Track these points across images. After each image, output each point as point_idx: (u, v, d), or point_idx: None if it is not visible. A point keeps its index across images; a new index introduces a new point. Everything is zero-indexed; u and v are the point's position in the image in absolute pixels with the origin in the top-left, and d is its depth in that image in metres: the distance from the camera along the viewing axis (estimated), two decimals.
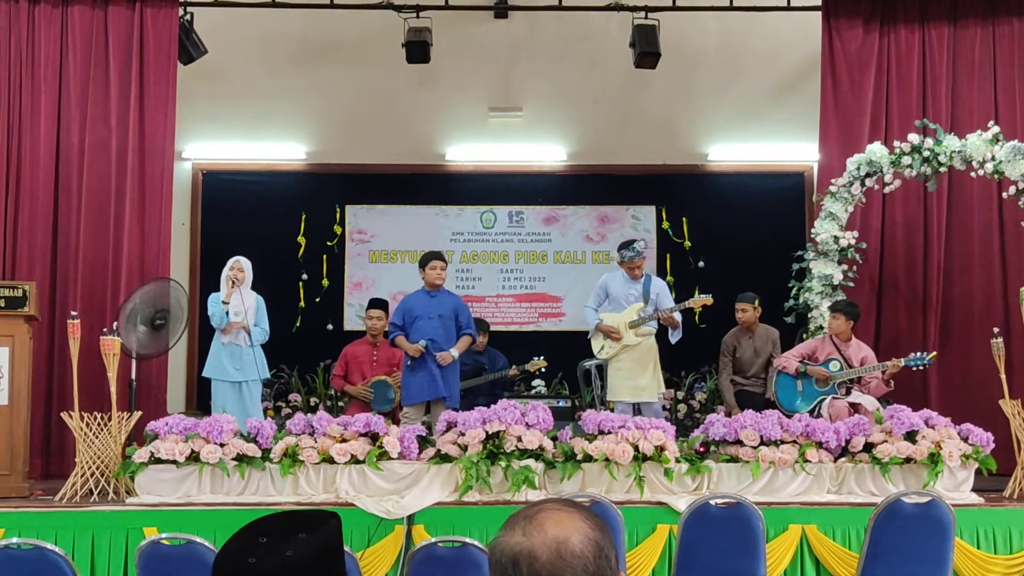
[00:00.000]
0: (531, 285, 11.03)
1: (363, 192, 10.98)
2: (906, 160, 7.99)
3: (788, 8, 9.24)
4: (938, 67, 8.72)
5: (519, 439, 6.27)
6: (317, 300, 10.83)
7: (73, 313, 6.96)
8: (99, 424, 6.57)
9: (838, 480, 6.39)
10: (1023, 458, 6.75)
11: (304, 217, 10.86)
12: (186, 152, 10.53)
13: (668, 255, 10.87)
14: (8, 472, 6.72)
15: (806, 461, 6.33)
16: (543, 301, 10.99)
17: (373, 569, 5.83)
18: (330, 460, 6.28)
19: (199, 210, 10.80)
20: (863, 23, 8.80)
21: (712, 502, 5.41)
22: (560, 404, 8.82)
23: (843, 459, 6.46)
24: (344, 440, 6.36)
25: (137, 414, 6.89)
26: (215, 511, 6.01)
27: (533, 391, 9.95)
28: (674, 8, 9.29)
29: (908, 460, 6.33)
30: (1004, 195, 8.06)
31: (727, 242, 10.61)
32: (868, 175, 8.14)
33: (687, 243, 10.82)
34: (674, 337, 7.96)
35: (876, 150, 8.11)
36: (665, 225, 10.93)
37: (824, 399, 7.53)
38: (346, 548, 4.63)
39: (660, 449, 6.30)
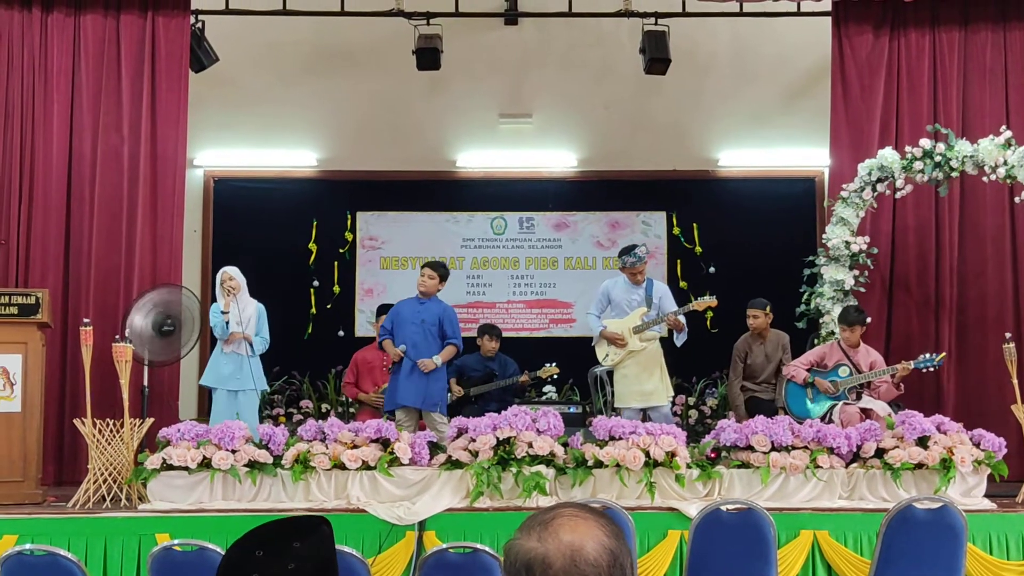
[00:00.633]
0: (541, 291, 11.03)
1: (374, 199, 11.00)
2: (918, 165, 7.97)
3: (798, 14, 9.24)
4: (949, 71, 8.70)
5: (530, 445, 6.28)
6: (328, 307, 10.84)
7: (86, 320, 7.00)
8: (111, 431, 6.59)
9: (850, 486, 6.37)
10: None
11: (315, 224, 10.88)
12: (198, 159, 10.56)
13: (679, 261, 10.86)
14: (21, 479, 6.75)
15: (817, 467, 6.32)
16: (553, 307, 10.99)
17: (384, 575, 5.84)
18: (341, 466, 6.29)
19: (211, 217, 10.83)
20: (873, 28, 8.79)
21: (723, 508, 5.41)
22: (571, 410, 8.82)
23: (855, 465, 6.45)
24: (355, 446, 6.38)
25: (149, 421, 6.91)
26: (227, 517, 6.03)
27: (544, 397, 9.95)
28: (684, 14, 9.29)
29: (920, 466, 6.31)
30: (1017, 199, 8.04)
31: (738, 248, 10.59)
32: (879, 180, 8.12)
33: (698, 249, 10.80)
34: (679, 340, 7.94)
35: (887, 155, 8.09)
36: (676, 231, 10.92)
37: (835, 405, 7.51)
38: (357, 554, 4.66)
39: (671, 455, 6.30)
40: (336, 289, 10.88)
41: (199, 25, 9.08)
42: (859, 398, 7.53)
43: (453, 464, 6.33)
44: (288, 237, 10.71)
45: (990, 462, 6.37)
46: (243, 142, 10.68)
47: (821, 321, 8.20)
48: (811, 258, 8.47)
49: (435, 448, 6.56)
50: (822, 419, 7.24)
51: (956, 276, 8.57)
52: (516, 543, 1.84)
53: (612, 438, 6.43)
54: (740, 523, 5.35)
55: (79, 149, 8.45)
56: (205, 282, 10.46)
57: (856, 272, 8.18)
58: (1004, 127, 7.98)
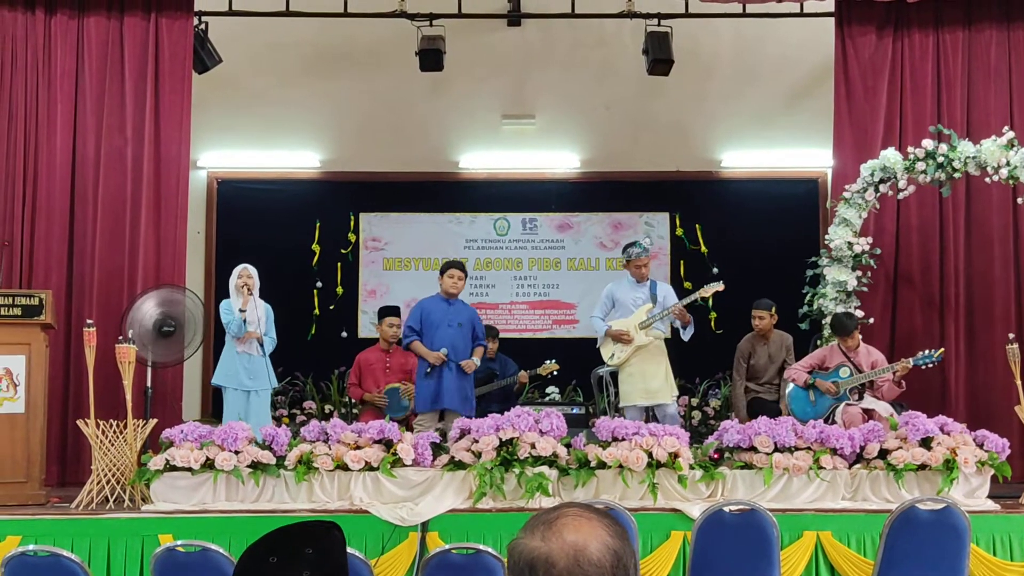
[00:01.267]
0: (545, 292, 11.03)
1: (377, 200, 11.01)
2: (920, 166, 7.96)
3: (801, 15, 9.23)
4: (952, 72, 8.69)
5: (533, 446, 6.28)
6: (331, 307, 10.85)
7: (89, 321, 7.01)
8: (115, 432, 6.60)
9: (853, 487, 6.37)
10: None
11: (318, 225, 10.89)
12: (201, 161, 10.57)
13: (682, 262, 10.85)
14: (25, 479, 6.76)
15: (820, 468, 6.32)
16: (557, 308, 10.99)
17: None
18: (344, 467, 6.30)
19: (214, 218, 10.84)
20: (876, 29, 8.78)
21: (726, 509, 5.41)
22: (574, 411, 8.81)
23: (858, 466, 6.45)
24: (358, 447, 6.38)
25: (152, 422, 6.93)
26: (230, 518, 6.04)
27: (547, 398, 9.95)
28: (687, 15, 9.29)
29: (923, 467, 6.31)
30: (1020, 200, 8.03)
31: (741, 249, 10.58)
32: (882, 181, 8.12)
33: (703, 249, 10.80)
34: (687, 334, 7.94)
35: (890, 156, 8.09)
36: (679, 232, 10.92)
37: (837, 406, 7.51)
38: (360, 555, 4.67)
39: (674, 456, 6.30)
40: (339, 290, 10.89)
41: (202, 26, 9.09)
42: (861, 398, 7.52)
43: (456, 465, 6.33)
44: (291, 238, 10.72)
45: (993, 463, 6.36)
46: (246, 143, 10.69)
47: (824, 322, 8.20)
48: (814, 259, 8.47)
49: (438, 449, 6.57)
50: (825, 420, 7.24)
51: (962, 276, 8.55)
52: (520, 543, 1.84)
53: (615, 439, 6.43)
54: (743, 524, 5.35)
55: (83, 150, 8.46)
56: (208, 283, 10.48)
57: (859, 273, 8.18)
58: (1007, 128, 7.98)
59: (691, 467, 6.33)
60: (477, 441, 6.33)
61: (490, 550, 4.81)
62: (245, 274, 7.70)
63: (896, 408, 7.39)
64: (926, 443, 6.39)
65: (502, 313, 10.82)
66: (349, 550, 4.53)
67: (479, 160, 10.93)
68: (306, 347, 10.51)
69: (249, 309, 7.57)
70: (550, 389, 10.09)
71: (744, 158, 10.83)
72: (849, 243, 8.14)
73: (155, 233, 8.47)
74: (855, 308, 8.02)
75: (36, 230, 8.34)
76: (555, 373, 9.20)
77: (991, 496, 6.41)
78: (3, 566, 4.70)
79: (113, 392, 7.26)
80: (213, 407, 10.17)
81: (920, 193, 8.29)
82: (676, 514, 6.09)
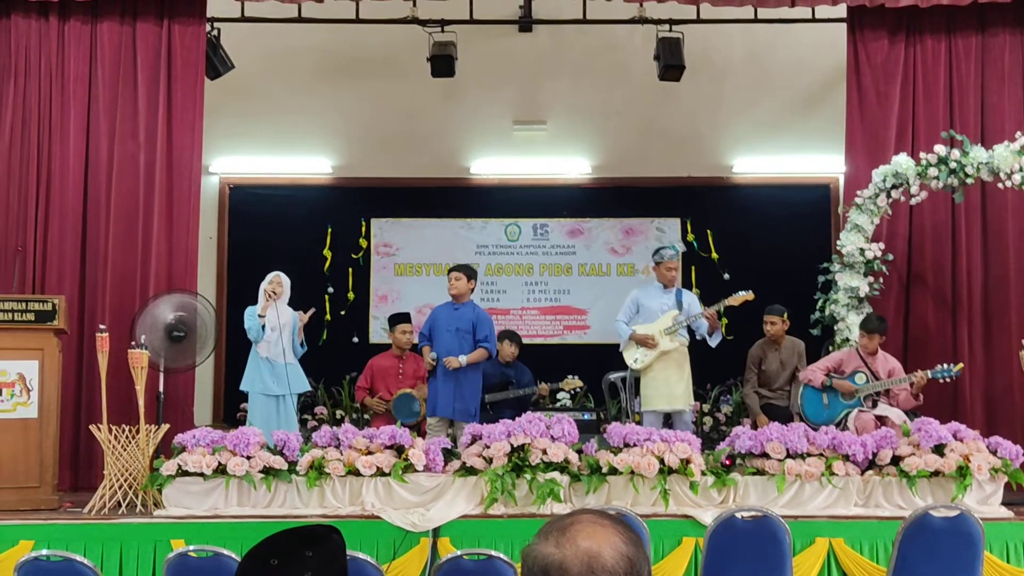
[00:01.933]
0: (556, 298, 11.03)
1: (388, 205, 11.03)
2: (932, 172, 7.94)
3: (813, 20, 9.22)
4: (966, 77, 8.65)
5: (544, 452, 6.27)
6: (343, 313, 10.87)
7: (102, 327, 7.02)
8: (127, 437, 6.62)
9: (865, 493, 6.35)
10: None
11: (330, 230, 10.91)
12: (213, 166, 10.60)
13: (693, 267, 10.84)
14: (38, 484, 6.78)
15: (833, 474, 6.30)
16: (568, 314, 10.99)
17: None
18: (356, 472, 6.30)
19: (226, 224, 10.88)
20: (888, 34, 8.75)
21: (738, 515, 5.39)
22: (585, 417, 8.79)
23: (870, 472, 6.43)
24: (370, 452, 6.38)
25: (165, 427, 6.94)
26: (242, 523, 6.05)
27: (558, 404, 9.94)
28: (699, 21, 9.28)
29: (936, 473, 6.29)
30: None
31: (752, 254, 10.56)
32: (894, 187, 8.09)
33: (714, 255, 10.79)
34: (714, 340, 8.00)
35: (902, 161, 8.06)
36: (690, 237, 10.91)
37: (850, 412, 7.49)
38: (372, 560, 4.67)
39: (686, 462, 6.28)
40: (350, 296, 10.91)
41: (215, 32, 9.13)
42: (875, 406, 7.50)
43: (467, 471, 6.33)
44: (303, 244, 10.74)
45: (1007, 470, 6.33)
46: (258, 149, 10.72)
47: (836, 328, 8.17)
48: (825, 265, 8.45)
49: (449, 455, 6.57)
50: (837, 426, 7.22)
51: (977, 281, 8.50)
52: (534, 548, 1.84)
53: (626, 445, 6.43)
54: (755, 530, 5.33)
55: (95, 156, 8.49)
56: (220, 289, 10.50)
57: (871, 279, 8.15)
58: (1020, 133, 7.94)
59: (703, 473, 6.32)
60: (489, 447, 6.33)
61: (502, 556, 4.80)
62: (276, 281, 7.78)
63: (909, 415, 7.36)
64: (939, 450, 6.37)
65: (513, 319, 10.82)
66: (361, 555, 4.55)
67: (490, 166, 10.94)
68: (318, 352, 10.48)
69: (270, 315, 7.61)
70: (561, 395, 10.08)
71: (756, 164, 10.82)
72: (861, 249, 8.11)
73: (167, 238, 8.49)
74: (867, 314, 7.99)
75: (49, 235, 8.36)
76: (577, 390, 9.18)
77: (1005, 503, 6.38)
78: (16, 571, 4.71)
79: (125, 397, 7.28)
80: (225, 412, 10.20)
81: (933, 197, 8.26)
82: (688, 520, 6.08)
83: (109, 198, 8.44)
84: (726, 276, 10.62)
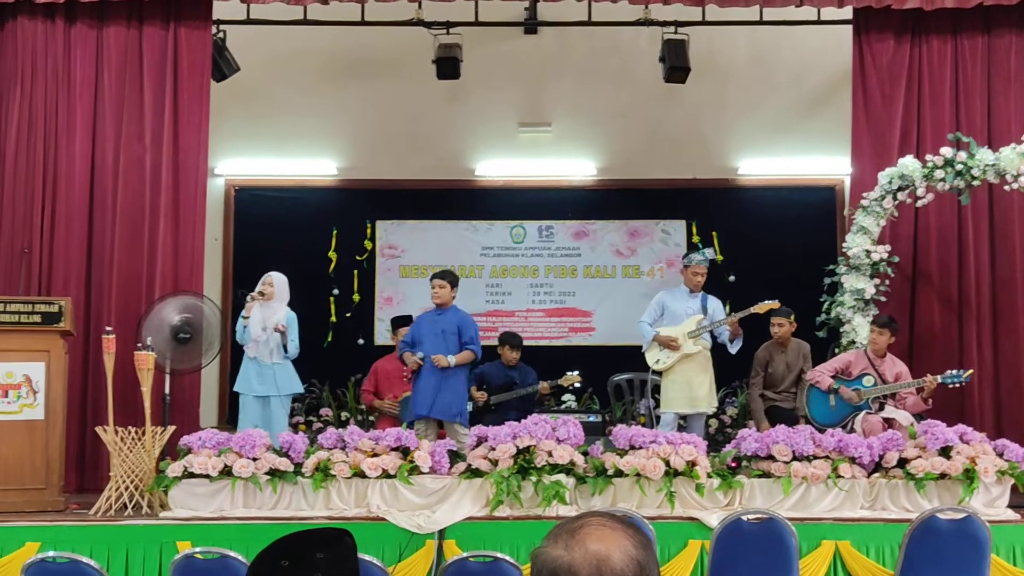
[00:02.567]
0: (561, 300, 11.03)
1: (393, 207, 11.03)
2: (939, 174, 7.93)
3: (819, 22, 9.21)
4: (972, 79, 8.63)
5: (550, 454, 6.27)
6: (348, 315, 10.88)
7: (108, 328, 7.04)
8: (133, 438, 6.63)
9: (872, 496, 6.34)
10: None
11: (335, 232, 10.92)
12: (219, 168, 10.61)
13: None
14: (44, 486, 6.78)
15: (839, 476, 6.29)
16: (573, 316, 10.99)
17: None
18: (361, 474, 6.30)
19: (231, 226, 10.89)
20: (894, 36, 8.74)
21: (744, 518, 5.39)
22: (591, 419, 8.80)
23: (876, 475, 6.42)
24: (375, 454, 6.38)
25: (171, 428, 6.95)
26: (248, 525, 6.05)
27: (563, 406, 9.94)
28: (704, 23, 9.28)
29: (943, 476, 6.27)
30: None
31: (758, 256, 10.56)
32: (900, 189, 8.08)
33: (718, 257, 10.77)
34: (734, 347, 8.03)
35: (908, 164, 8.05)
36: (695, 239, 10.90)
37: (857, 414, 7.48)
38: (378, 562, 4.67)
39: (691, 464, 6.28)
40: (355, 297, 10.91)
41: (220, 35, 9.14)
42: (882, 408, 7.49)
43: (473, 473, 6.33)
44: (308, 245, 10.75)
45: (1013, 472, 6.32)
46: (264, 151, 10.73)
47: (841, 330, 8.17)
48: (831, 267, 8.45)
49: (455, 457, 6.57)
50: (843, 428, 7.21)
51: (985, 282, 8.48)
52: (543, 551, 1.84)
53: (632, 447, 6.42)
54: (761, 533, 5.33)
55: (102, 158, 8.50)
56: (226, 290, 10.52)
57: (877, 281, 8.14)
58: None
59: (709, 476, 6.31)
60: (494, 449, 6.33)
61: (507, 558, 4.80)
62: (267, 281, 7.84)
63: (916, 417, 7.35)
64: (945, 452, 6.36)
65: (518, 320, 10.82)
66: (367, 557, 4.55)
67: (495, 168, 10.94)
68: (322, 354, 10.53)
69: (254, 316, 7.66)
70: (566, 397, 10.09)
71: (761, 165, 10.81)
72: (867, 251, 8.11)
73: (173, 240, 8.50)
74: (873, 316, 7.99)
75: (55, 237, 8.37)
76: (576, 385, 9.20)
77: (1011, 506, 6.36)
78: (23, 572, 4.72)
79: (132, 399, 7.28)
80: (230, 414, 10.20)
81: (939, 199, 8.24)
82: (694, 523, 6.07)
83: (115, 200, 8.45)
84: (731, 278, 10.61)
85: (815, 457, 6.38)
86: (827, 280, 8.45)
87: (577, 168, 10.98)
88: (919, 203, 8.15)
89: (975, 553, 5.34)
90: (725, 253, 10.73)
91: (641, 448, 6.37)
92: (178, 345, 7.76)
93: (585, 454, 6.42)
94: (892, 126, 8.69)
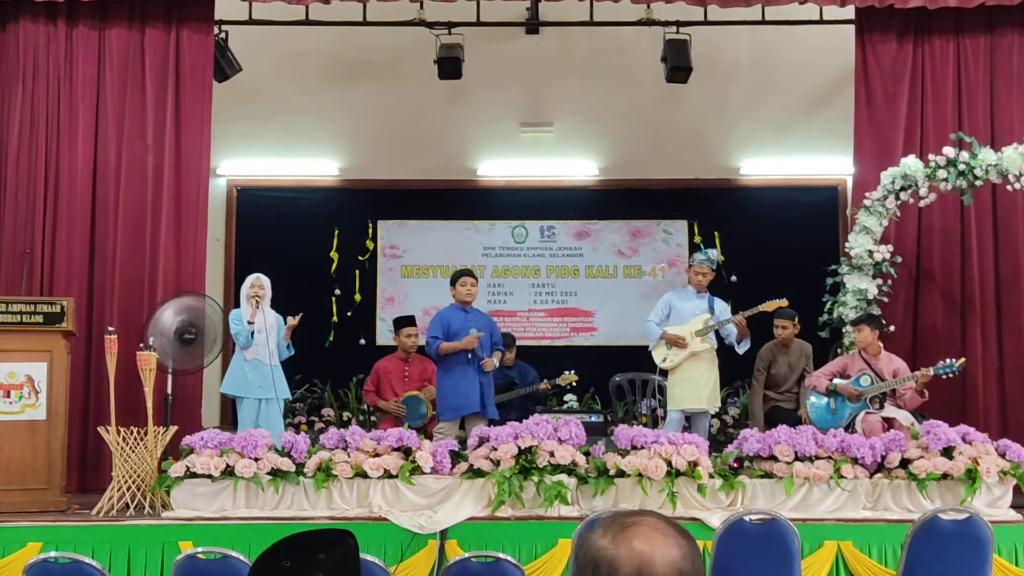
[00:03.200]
0: (563, 300, 11.02)
1: (395, 207, 11.03)
2: (941, 174, 7.92)
3: (821, 22, 9.20)
4: (974, 79, 8.63)
5: (552, 454, 6.27)
6: (349, 315, 10.88)
7: (110, 329, 7.04)
8: (135, 439, 6.63)
9: (874, 496, 6.34)
10: None
11: (337, 232, 10.92)
12: (221, 169, 10.61)
13: None
14: (46, 486, 6.78)
15: (841, 477, 6.29)
16: (575, 316, 10.98)
17: None
18: (363, 475, 6.30)
19: (233, 226, 10.89)
20: (896, 36, 8.73)
21: (747, 518, 5.39)
22: (592, 419, 8.80)
23: (879, 475, 6.41)
24: (377, 455, 6.38)
25: (173, 429, 6.95)
26: (250, 525, 6.05)
27: (565, 406, 9.94)
28: (706, 22, 9.27)
29: (945, 476, 6.27)
30: None
31: (760, 257, 10.55)
32: (903, 189, 8.08)
33: (720, 258, 10.76)
34: (742, 348, 8.06)
35: (911, 163, 8.04)
36: (697, 239, 10.90)
37: (857, 415, 7.47)
38: (379, 562, 4.67)
39: (693, 464, 6.27)
40: (357, 297, 10.91)
41: (222, 35, 9.14)
42: (882, 407, 7.48)
43: (475, 473, 6.33)
44: (309, 246, 10.75)
45: (1016, 473, 6.31)
46: (265, 151, 10.74)
47: (844, 330, 8.16)
48: (834, 267, 8.44)
49: (457, 457, 6.57)
50: (845, 428, 7.20)
51: (989, 281, 8.46)
52: (591, 537, 1.83)
53: (634, 447, 6.42)
54: (764, 533, 5.33)
55: (104, 159, 8.51)
56: (228, 291, 10.51)
57: (879, 281, 8.14)
58: None
59: (711, 476, 6.31)
60: (496, 449, 6.33)
61: (509, 558, 4.80)
62: (257, 284, 7.80)
63: (918, 418, 7.34)
64: (948, 452, 6.35)
65: (520, 321, 10.82)
66: (368, 557, 4.54)
67: (497, 168, 10.94)
68: (324, 354, 10.53)
69: (257, 319, 7.65)
70: (568, 397, 10.08)
71: (763, 165, 10.81)
72: (870, 251, 8.10)
73: (175, 241, 8.50)
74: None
75: (57, 238, 8.38)
76: (574, 384, 9.21)
77: (1013, 506, 6.36)
78: (25, 573, 4.72)
79: (134, 399, 7.29)
80: (233, 415, 10.19)
81: (942, 199, 8.23)
82: (696, 523, 6.06)
83: (117, 200, 8.46)
84: (733, 278, 10.60)
85: (817, 457, 6.38)
86: (829, 280, 8.44)
87: (579, 168, 10.97)
88: (922, 203, 8.14)
89: (977, 553, 5.34)
90: (727, 253, 10.73)
91: (643, 448, 6.37)
92: (182, 346, 7.77)
93: (587, 454, 6.42)
94: (894, 126, 8.68)
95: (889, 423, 7.29)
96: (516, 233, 11.06)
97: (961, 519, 5.41)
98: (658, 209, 11.02)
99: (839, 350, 8.27)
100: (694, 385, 7.90)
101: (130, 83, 8.56)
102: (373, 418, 9.24)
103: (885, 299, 8.16)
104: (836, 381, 7.59)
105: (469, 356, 7.62)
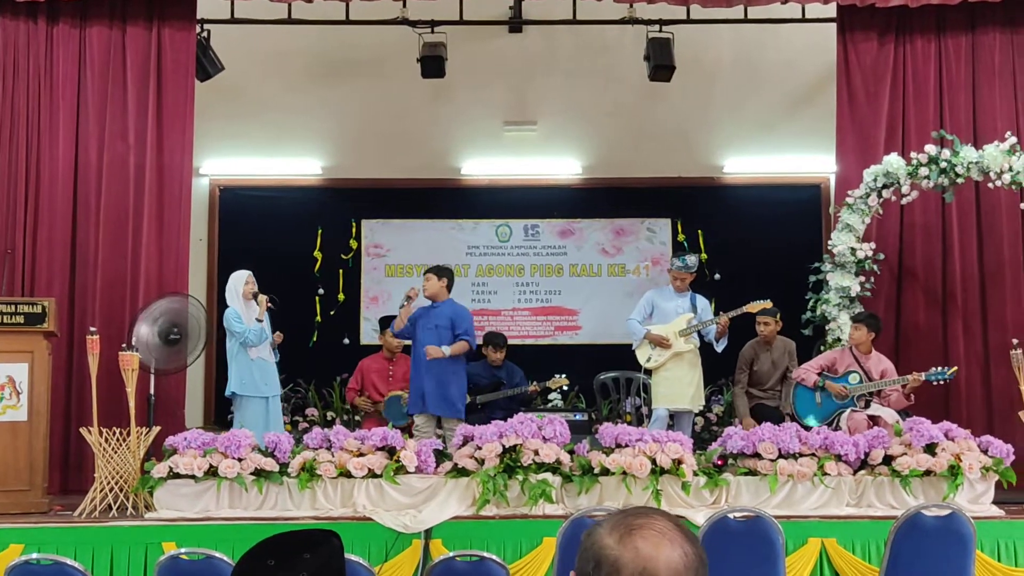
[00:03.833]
0: (547, 298, 11.02)
1: (379, 206, 11.01)
2: (923, 171, 7.95)
3: (803, 20, 9.23)
4: (956, 77, 8.67)
5: (536, 453, 6.27)
6: (332, 314, 10.85)
7: (92, 329, 7.00)
8: (118, 439, 6.59)
9: (857, 493, 6.36)
10: None
11: (320, 232, 10.89)
12: (203, 168, 10.57)
13: None
14: (28, 488, 6.75)
15: (825, 474, 6.31)
16: (559, 315, 10.99)
17: None
18: (347, 474, 6.29)
19: (216, 226, 10.85)
20: (878, 35, 8.76)
21: (731, 516, 5.40)
22: (577, 417, 8.81)
23: (862, 472, 6.44)
24: (361, 454, 6.37)
25: (156, 429, 6.92)
26: (233, 526, 6.03)
27: (550, 404, 9.94)
28: (689, 21, 9.29)
29: (928, 473, 6.30)
30: (1022, 206, 8.02)
31: (743, 255, 10.57)
32: (885, 186, 8.11)
33: (703, 255, 10.78)
34: (720, 346, 8.07)
35: (893, 161, 8.08)
36: (681, 238, 10.92)
37: (843, 411, 7.50)
38: (364, 562, 4.66)
39: (678, 462, 6.28)
40: (341, 297, 10.89)
41: (204, 34, 9.09)
42: (867, 405, 7.51)
43: (459, 472, 6.32)
44: (293, 245, 10.72)
45: (998, 469, 6.35)
46: (248, 150, 10.70)
47: (827, 328, 8.19)
48: (816, 264, 8.46)
49: (441, 456, 6.56)
50: (829, 426, 7.23)
51: (973, 278, 8.50)
52: (597, 534, 1.82)
53: (618, 445, 6.42)
54: (748, 531, 5.34)
55: (85, 158, 8.46)
56: (211, 290, 10.47)
57: (862, 278, 8.16)
58: (1009, 133, 7.97)
59: (695, 474, 6.32)
60: (480, 448, 6.32)
61: (494, 557, 4.80)
62: (252, 280, 7.72)
63: (901, 414, 7.37)
64: (931, 449, 6.38)
65: (504, 320, 10.81)
66: (353, 557, 4.53)
67: (481, 166, 10.93)
68: (308, 354, 10.51)
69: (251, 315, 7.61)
70: (553, 396, 10.09)
71: (746, 164, 10.83)
72: (852, 248, 8.13)
73: (157, 241, 8.46)
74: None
75: (38, 238, 8.33)
76: (564, 388, 9.23)
77: (996, 502, 6.39)
78: (7, 575, 4.69)
79: (116, 400, 7.25)
80: (216, 415, 10.17)
81: (924, 196, 8.27)
82: (680, 520, 6.05)
83: (99, 200, 8.41)
84: (716, 276, 10.63)
85: (801, 455, 6.40)
86: (812, 278, 8.46)
87: (562, 167, 10.97)
88: (904, 201, 8.18)
89: (960, 549, 5.36)
90: (710, 251, 10.76)
91: (627, 446, 6.38)
92: (167, 346, 7.74)
93: (571, 453, 6.42)
94: (876, 124, 8.71)
95: (874, 420, 7.32)
96: (500, 232, 11.06)
97: (944, 515, 5.44)
98: (642, 207, 11.03)
99: (822, 347, 8.29)
100: (678, 384, 7.93)
101: (111, 82, 8.51)
102: (357, 418, 9.23)
103: (868, 293, 8.18)
104: (825, 379, 7.61)
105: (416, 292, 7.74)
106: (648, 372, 8.13)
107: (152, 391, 7.70)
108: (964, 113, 8.62)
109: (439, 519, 6.08)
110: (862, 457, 6.44)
